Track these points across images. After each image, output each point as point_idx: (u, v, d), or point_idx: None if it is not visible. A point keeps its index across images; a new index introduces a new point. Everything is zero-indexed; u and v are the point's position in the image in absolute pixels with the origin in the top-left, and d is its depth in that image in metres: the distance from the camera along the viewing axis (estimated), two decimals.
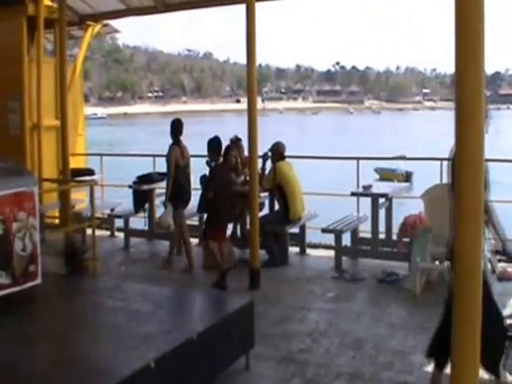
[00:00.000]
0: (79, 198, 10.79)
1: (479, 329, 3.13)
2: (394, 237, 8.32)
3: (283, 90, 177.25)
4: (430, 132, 61.83)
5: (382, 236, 8.65)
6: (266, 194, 9.12)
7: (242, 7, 7.37)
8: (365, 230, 8.97)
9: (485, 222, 4.42)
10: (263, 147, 8.64)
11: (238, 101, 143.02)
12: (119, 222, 10.36)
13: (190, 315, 5.37)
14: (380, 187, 9.30)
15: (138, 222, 10.68)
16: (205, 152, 7.84)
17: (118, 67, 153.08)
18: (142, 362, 3.87)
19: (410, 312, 6.53)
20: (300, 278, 7.97)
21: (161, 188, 9.41)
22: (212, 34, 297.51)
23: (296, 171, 8.92)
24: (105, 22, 12.22)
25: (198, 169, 8.44)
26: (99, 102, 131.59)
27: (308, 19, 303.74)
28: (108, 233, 10.51)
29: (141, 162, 12.42)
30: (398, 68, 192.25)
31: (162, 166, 9.33)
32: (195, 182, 8.41)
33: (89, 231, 8.25)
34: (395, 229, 8.27)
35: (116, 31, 13.65)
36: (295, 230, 9.02)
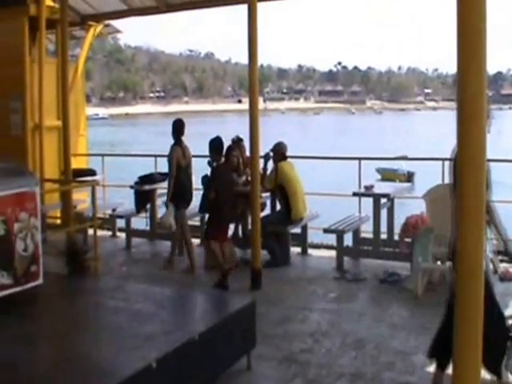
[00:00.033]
0: (81, 198, 10.79)
1: (481, 329, 3.13)
2: (396, 237, 8.32)
3: (285, 91, 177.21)
4: (431, 132, 61.79)
5: (383, 236, 8.65)
6: (268, 194, 9.11)
7: (244, 7, 7.37)
8: (366, 231, 8.97)
9: (487, 223, 4.41)
10: (265, 147, 8.64)
11: (240, 101, 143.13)
12: (121, 223, 10.36)
13: (192, 315, 5.37)
14: (382, 187, 9.30)
15: (140, 223, 10.69)
16: (206, 152, 7.84)
17: (120, 67, 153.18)
18: (143, 362, 3.87)
19: (411, 312, 6.52)
20: (302, 278, 7.96)
21: (162, 188, 9.42)
22: (214, 35, 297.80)
23: (298, 171, 8.92)
24: (106, 22, 12.22)
25: (200, 169, 8.45)
26: (101, 103, 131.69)
27: (311, 19, 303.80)
28: (110, 233, 10.51)
29: (142, 162, 12.43)
30: (399, 68, 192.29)
31: (163, 167, 9.33)
32: (197, 182, 8.42)
33: (90, 231, 8.27)
34: (397, 229, 8.27)
35: (118, 31, 13.65)
36: (297, 230, 9.02)
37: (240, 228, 9.41)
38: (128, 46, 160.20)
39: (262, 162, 8.52)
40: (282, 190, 8.68)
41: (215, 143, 7.50)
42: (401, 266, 7.78)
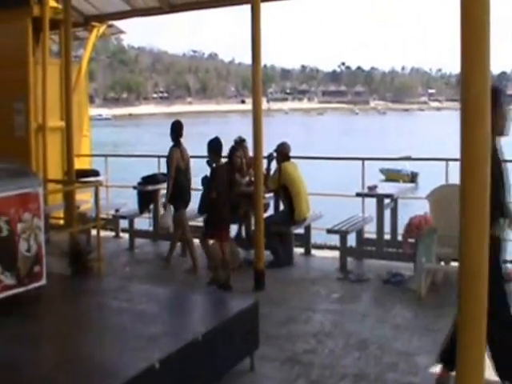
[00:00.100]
0: (84, 198, 10.81)
1: (484, 329, 3.12)
2: (400, 238, 8.30)
3: (288, 91, 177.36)
4: (435, 132, 61.73)
5: (387, 237, 8.63)
6: (271, 194, 9.11)
7: (247, 8, 7.36)
8: (370, 231, 8.96)
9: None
10: (268, 148, 8.64)
11: (243, 101, 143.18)
12: (124, 223, 10.37)
13: (195, 316, 5.36)
14: (385, 188, 9.28)
15: (143, 223, 10.70)
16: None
17: (123, 68, 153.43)
18: (146, 362, 3.86)
19: (415, 313, 6.51)
20: (305, 278, 7.96)
21: (165, 189, 9.41)
22: (217, 35, 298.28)
23: (301, 172, 8.91)
24: (110, 22, 12.23)
25: (199, 168, 8.45)
26: (104, 103, 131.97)
27: (316, 19, 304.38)
28: (113, 233, 10.52)
29: (145, 162, 12.44)
30: (403, 68, 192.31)
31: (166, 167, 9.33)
32: (196, 183, 8.45)
33: (93, 232, 8.27)
34: (400, 229, 8.24)
35: (121, 32, 13.66)
36: (300, 230, 9.01)
37: (243, 229, 9.41)
38: (131, 46, 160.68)
39: (265, 162, 8.51)
40: (286, 190, 8.67)
41: (214, 144, 7.49)
42: (404, 266, 7.77)
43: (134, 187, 9.80)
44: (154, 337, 4.36)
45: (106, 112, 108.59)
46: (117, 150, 43.26)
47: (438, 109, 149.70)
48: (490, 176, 3.06)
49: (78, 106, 11.41)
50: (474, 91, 3.01)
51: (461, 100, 3.06)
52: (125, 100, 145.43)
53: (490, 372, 4.15)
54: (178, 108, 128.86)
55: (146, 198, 9.68)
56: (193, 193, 8.71)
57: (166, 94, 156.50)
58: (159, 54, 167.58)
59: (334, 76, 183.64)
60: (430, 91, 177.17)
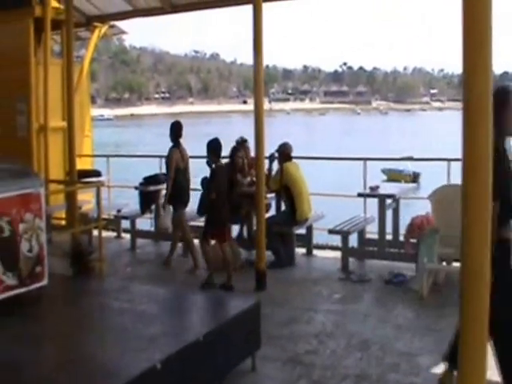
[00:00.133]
0: (86, 199, 10.80)
1: (486, 329, 3.12)
2: (401, 238, 8.30)
3: (290, 91, 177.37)
4: (437, 133, 61.70)
5: (389, 237, 8.63)
6: (273, 194, 9.10)
7: (249, 8, 7.36)
8: (372, 231, 8.95)
9: None
10: (270, 148, 8.63)
11: (245, 102, 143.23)
12: (126, 223, 10.37)
13: (197, 316, 5.36)
14: (387, 188, 9.28)
15: (145, 223, 10.70)
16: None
17: (125, 68, 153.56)
18: (148, 363, 3.86)
19: (416, 313, 6.50)
20: (306, 279, 7.95)
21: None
22: (219, 35, 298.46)
23: (303, 172, 8.91)
24: (111, 23, 12.23)
25: (200, 170, 8.45)
26: (106, 104, 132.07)
27: (321, 19, 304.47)
28: (114, 234, 10.52)
29: (147, 163, 12.44)
30: (405, 68, 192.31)
31: None
32: (194, 184, 8.45)
33: (95, 232, 8.26)
34: (402, 230, 8.24)
35: (123, 32, 13.66)
36: (302, 230, 9.01)
37: (245, 229, 9.41)
38: (133, 46, 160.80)
39: (267, 162, 8.51)
40: (287, 190, 8.67)
41: (213, 144, 7.49)
42: (406, 266, 7.76)
43: (136, 187, 9.81)
44: (155, 337, 4.36)
45: (107, 112, 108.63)
46: (118, 150, 43.27)
47: (440, 109, 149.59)
48: (500, 177, 3.04)
49: (80, 107, 11.41)
50: (476, 91, 3.00)
51: (463, 100, 3.05)
52: (126, 100, 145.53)
53: (491, 372, 4.14)
54: (179, 108, 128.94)
55: (147, 199, 9.68)
56: (192, 193, 8.72)
57: (167, 95, 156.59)
58: (161, 54, 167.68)
59: (335, 76, 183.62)
60: (432, 91, 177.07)
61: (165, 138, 8.57)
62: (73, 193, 8.90)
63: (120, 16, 11.66)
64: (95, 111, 42.90)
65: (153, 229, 10.28)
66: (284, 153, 8.81)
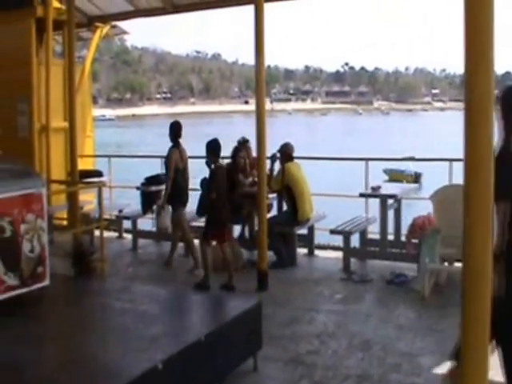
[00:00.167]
0: (87, 199, 10.81)
1: (488, 329, 3.11)
2: (403, 238, 8.30)
3: (292, 91, 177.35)
4: (439, 133, 61.67)
5: (390, 237, 8.62)
6: (275, 195, 9.10)
7: (251, 8, 7.36)
8: (373, 232, 8.95)
9: None
10: (272, 148, 8.63)
11: (247, 102, 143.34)
12: (127, 224, 10.37)
13: (198, 316, 5.37)
14: (389, 188, 9.28)
15: (146, 224, 10.70)
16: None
17: (127, 68, 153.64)
18: (149, 363, 3.86)
19: (418, 314, 6.50)
20: (308, 279, 7.95)
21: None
22: (220, 35, 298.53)
23: (304, 172, 8.91)
24: (113, 23, 12.23)
25: (199, 170, 8.46)
26: (107, 104, 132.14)
27: (322, 19, 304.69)
28: (116, 234, 10.52)
29: (149, 163, 12.44)
30: (407, 68, 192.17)
31: None
32: (194, 184, 8.45)
33: (97, 233, 8.29)
34: (404, 230, 8.25)
35: (124, 32, 13.67)
36: (303, 231, 9.00)
37: (247, 229, 9.41)
38: (135, 47, 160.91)
39: (268, 162, 8.51)
40: (289, 190, 8.66)
41: (212, 145, 7.48)
42: (408, 267, 7.75)
43: (138, 188, 9.81)
44: (156, 337, 4.36)
45: (109, 113, 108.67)
46: (120, 150, 43.32)
47: (442, 109, 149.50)
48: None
49: (82, 107, 11.42)
50: (478, 91, 3.00)
51: (464, 100, 3.05)
52: (128, 101, 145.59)
53: (493, 372, 4.13)
54: (181, 108, 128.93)
55: (149, 199, 9.68)
56: (191, 193, 8.72)
57: (169, 95, 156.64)
58: (162, 54, 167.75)
59: (337, 76, 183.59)
60: (434, 91, 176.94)
61: (166, 138, 8.57)
62: (74, 193, 8.91)
63: (121, 16, 11.66)
64: (97, 111, 42.92)
65: (154, 229, 10.28)
66: (286, 153, 8.80)
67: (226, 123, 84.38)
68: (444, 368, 4.64)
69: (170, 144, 8.50)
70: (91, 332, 4.70)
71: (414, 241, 7.64)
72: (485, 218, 3.05)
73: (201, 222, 9.60)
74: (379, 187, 8.82)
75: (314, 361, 5.29)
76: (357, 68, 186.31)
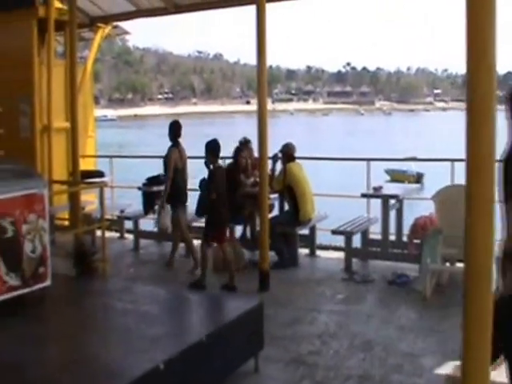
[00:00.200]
0: (89, 199, 10.81)
1: (490, 330, 3.11)
2: (405, 238, 8.30)
3: (293, 92, 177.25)
4: (441, 133, 61.63)
5: (392, 238, 8.61)
6: (276, 195, 9.10)
7: (253, 8, 7.36)
8: (375, 232, 8.95)
9: None
10: (273, 148, 8.62)
11: (248, 102, 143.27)
12: (129, 224, 10.38)
13: (199, 317, 5.36)
14: (391, 188, 9.28)
15: (148, 224, 10.69)
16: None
17: (128, 69, 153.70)
18: (151, 363, 3.86)
19: (419, 314, 6.49)
20: (310, 279, 7.95)
21: None
22: (222, 36, 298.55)
23: (306, 172, 8.90)
24: (115, 23, 12.24)
25: (199, 170, 8.45)
26: (109, 104, 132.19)
27: (324, 19, 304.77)
28: (117, 234, 10.53)
29: (150, 163, 12.44)
30: (408, 69, 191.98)
31: None
32: (193, 185, 8.45)
33: (98, 233, 8.28)
34: (406, 230, 8.24)
35: (126, 33, 13.68)
36: (305, 231, 9.00)
37: (248, 229, 9.40)
38: (136, 47, 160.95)
39: (270, 163, 8.50)
40: (291, 191, 8.66)
41: (212, 145, 7.48)
42: (409, 267, 7.75)
43: (139, 188, 9.81)
44: (158, 338, 4.36)
45: (111, 113, 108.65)
46: (122, 150, 43.29)
47: (444, 109, 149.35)
48: None
49: (83, 107, 11.43)
50: (480, 91, 2.99)
51: (466, 100, 3.04)
52: (130, 101, 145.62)
53: (495, 372, 4.13)
54: (182, 109, 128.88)
55: (150, 199, 9.67)
56: (190, 193, 8.72)
57: (171, 95, 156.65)
58: (164, 54, 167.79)
59: (339, 76, 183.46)
60: (436, 91, 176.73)
61: (167, 138, 8.56)
62: (76, 193, 8.91)
63: (123, 16, 11.66)
64: (98, 112, 42.92)
65: (156, 229, 10.27)
66: (287, 153, 8.80)
67: (227, 123, 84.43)
68: (446, 368, 4.64)
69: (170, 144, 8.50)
70: (93, 332, 4.70)
71: (416, 241, 7.63)
72: (487, 218, 3.05)
73: (201, 223, 9.61)
74: (381, 187, 8.81)
75: (316, 361, 5.29)
76: (358, 68, 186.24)
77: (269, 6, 7.39)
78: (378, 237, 8.68)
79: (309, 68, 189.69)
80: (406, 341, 5.72)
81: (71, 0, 9.07)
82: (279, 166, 8.84)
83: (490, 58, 2.98)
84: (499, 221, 3.56)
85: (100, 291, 5.89)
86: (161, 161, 10.24)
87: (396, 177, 28.31)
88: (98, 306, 5.31)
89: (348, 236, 8.27)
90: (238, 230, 9.44)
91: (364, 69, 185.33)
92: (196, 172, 8.80)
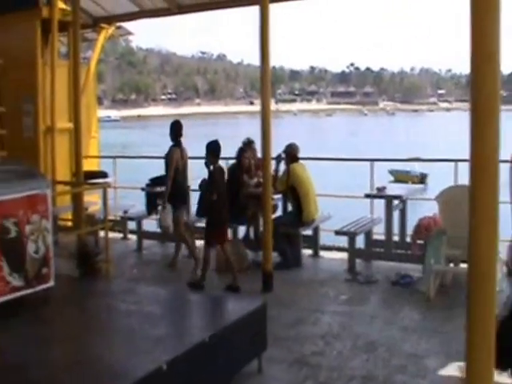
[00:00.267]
0: (92, 200, 10.81)
1: (494, 331, 3.11)
2: (408, 239, 8.28)
3: (297, 92, 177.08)
4: (445, 133, 61.55)
5: (395, 238, 8.60)
6: (280, 195, 9.09)
7: (256, 9, 7.35)
8: (379, 232, 8.93)
9: None
10: (277, 149, 8.62)
11: (252, 103, 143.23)
12: (132, 225, 10.38)
13: (203, 318, 5.36)
14: (394, 189, 9.26)
15: (151, 224, 10.69)
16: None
17: (132, 69, 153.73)
18: (154, 364, 3.86)
19: (423, 315, 6.48)
20: (313, 280, 7.94)
21: None
22: (226, 36, 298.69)
23: (309, 173, 8.89)
24: (118, 24, 12.25)
25: (200, 170, 8.45)
26: (113, 105, 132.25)
27: (327, 20, 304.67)
28: (121, 235, 10.53)
29: (153, 164, 12.43)
30: (412, 69, 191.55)
31: None
32: (194, 185, 8.44)
33: (102, 233, 8.27)
34: (409, 231, 8.23)
35: (129, 33, 13.69)
36: (308, 231, 8.99)
37: (251, 230, 9.40)
38: (140, 48, 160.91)
39: (273, 163, 8.49)
40: (294, 191, 8.65)
41: (212, 146, 7.47)
42: (413, 268, 7.73)
43: (142, 189, 9.81)
44: (161, 338, 4.36)
45: (114, 113, 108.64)
46: (125, 151, 43.32)
47: (448, 109, 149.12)
48: None
49: (87, 108, 11.43)
50: (484, 92, 2.99)
51: (470, 100, 3.04)
52: (133, 101, 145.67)
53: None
54: (186, 109, 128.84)
55: (153, 200, 9.67)
56: (191, 194, 8.71)
57: (174, 96, 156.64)
58: (168, 55, 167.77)
59: (342, 77, 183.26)
60: (440, 92, 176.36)
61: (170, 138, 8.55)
62: (79, 194, 8.91)
63: (126, 17, 11.67)
64: (102, 112, 42.98)
65: (159, 230, 10.27)
66: (291, 154, 8.79)
67: (231, 124, 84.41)
68: (450, 369, 4.63)
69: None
70: (96, 333, 4.70)
71: (420, 242, 7.62)
72: (491, 219, 3.04)
73: (202, 223, 9.61)
74: (384, 188, 8.80)
75: (319, 362, 5.28)
76: (362, 68, 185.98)
77: (272, 7, 7.38)
78: (382, 237, 8.67)
79: (312, 68, 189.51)
80: (409, 342, 5.71)
81: (75, 1, 9.10)
82: (283, 166, 8.83)
83: (494, 58, 2.97)
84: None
85: (103, 292, 5.89)
86: (164, 161, 10.26)
87: (399, 177, 28.27)
88: (101, 307, 5.31)
89: (351, 236, 8.26)
90: (242, 230, 9.43)
91: (367, 69, 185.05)
92: (198, 172, 8.79)
